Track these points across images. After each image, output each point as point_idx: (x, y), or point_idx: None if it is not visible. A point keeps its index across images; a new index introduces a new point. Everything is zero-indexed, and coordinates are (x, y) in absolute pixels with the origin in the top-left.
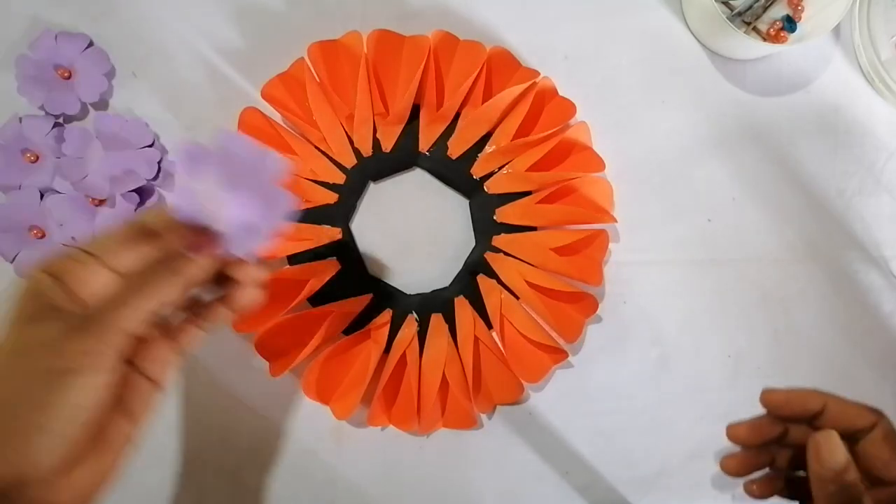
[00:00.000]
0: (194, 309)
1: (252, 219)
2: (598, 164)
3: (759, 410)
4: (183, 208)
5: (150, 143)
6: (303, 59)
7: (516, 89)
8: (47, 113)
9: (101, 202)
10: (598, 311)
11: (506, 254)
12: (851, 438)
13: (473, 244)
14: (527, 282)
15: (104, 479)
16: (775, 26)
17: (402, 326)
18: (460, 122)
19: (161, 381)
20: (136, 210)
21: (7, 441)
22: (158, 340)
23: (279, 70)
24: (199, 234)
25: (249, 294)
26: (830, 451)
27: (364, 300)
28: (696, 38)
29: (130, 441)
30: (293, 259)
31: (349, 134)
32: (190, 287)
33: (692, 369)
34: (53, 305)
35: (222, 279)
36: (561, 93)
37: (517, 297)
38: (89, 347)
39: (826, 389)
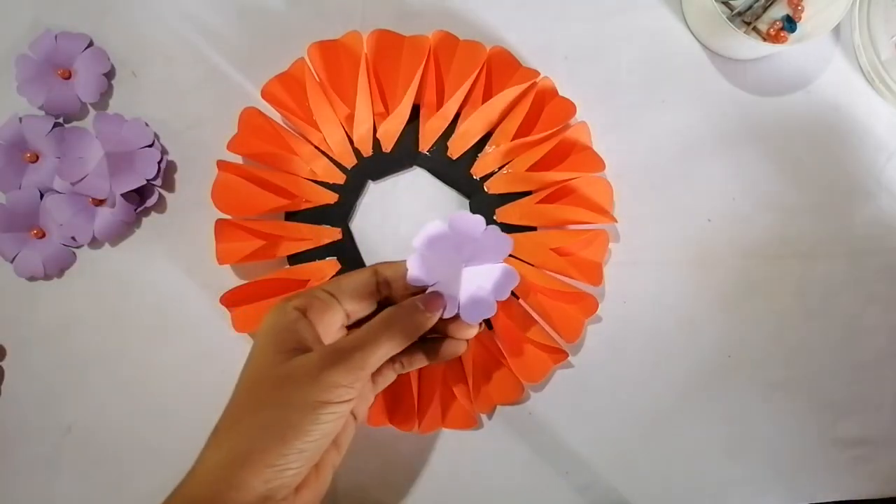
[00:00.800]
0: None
1: (480, 290)
2: (598, 164)
3: (759, 410)
4: (419, 276)
5: (150, 143)
6: (303, 59)
7: (516, 89)
8: (47, 113)
9: (101, 202)
10: (598, 311)
11: None
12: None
13: None
14: (527, 282)
15: (318, 500)
16: (775, 26)
17: None
18: (460, 122)
19: (362, 417)
20: (136, 211)
21: (269, 462)
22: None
23: (279, 70)
24: (434, 298)
25: (458, 347)
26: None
27: None
28: (696, 38)
29: (335, 469)
30: (293, 259)
31: (349, 134)
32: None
33: (692, 369)
34: (302, 339)
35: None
36: (561, 93)
37: (517, 297)
38: (345, 381)
39: (826, 389)
